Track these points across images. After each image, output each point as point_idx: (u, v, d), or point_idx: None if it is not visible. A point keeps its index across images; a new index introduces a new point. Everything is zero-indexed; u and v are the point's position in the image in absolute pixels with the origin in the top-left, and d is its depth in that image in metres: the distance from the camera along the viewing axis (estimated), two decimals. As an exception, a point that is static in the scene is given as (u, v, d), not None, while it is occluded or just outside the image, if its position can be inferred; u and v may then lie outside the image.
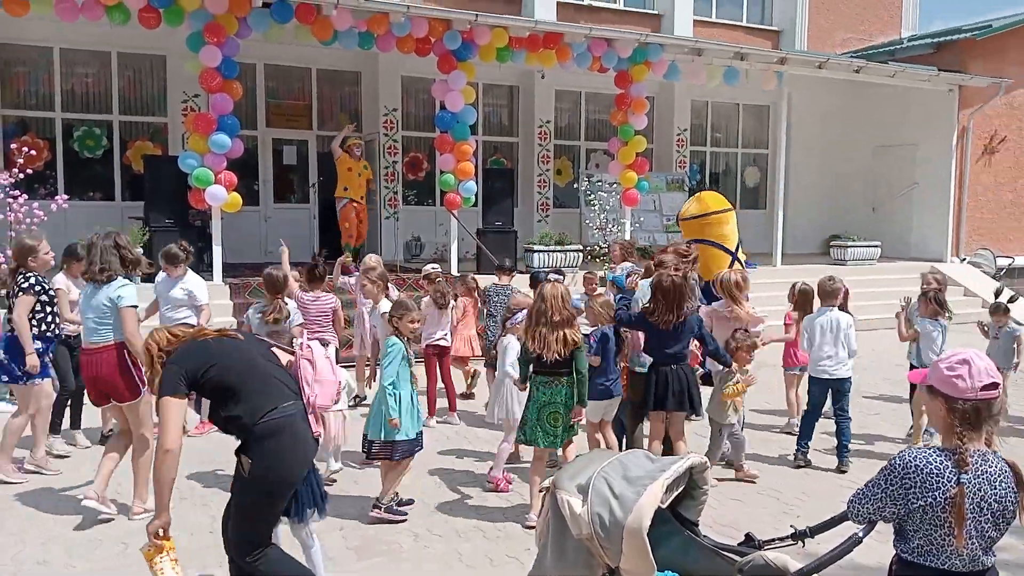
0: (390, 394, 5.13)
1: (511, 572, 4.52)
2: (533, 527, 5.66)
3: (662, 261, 6.12)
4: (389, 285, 7.30)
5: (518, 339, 5.93)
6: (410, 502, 5.42)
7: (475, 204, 13.13)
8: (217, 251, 10.96)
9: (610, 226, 14.05)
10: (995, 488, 2.50)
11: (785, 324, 7.75)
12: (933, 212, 17.28)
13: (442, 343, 7.67)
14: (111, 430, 6.67)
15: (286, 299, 6.42)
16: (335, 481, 5.95)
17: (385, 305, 6.30)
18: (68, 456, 6.47)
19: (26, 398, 5.88)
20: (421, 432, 5.33)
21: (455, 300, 7.90)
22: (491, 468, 6.01)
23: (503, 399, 5.98)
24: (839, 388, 6.55)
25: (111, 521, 5.17)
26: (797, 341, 7.28)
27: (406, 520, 5.23)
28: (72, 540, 4.90)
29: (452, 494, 5.79)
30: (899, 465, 2.56)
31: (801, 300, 7.49)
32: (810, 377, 6.68)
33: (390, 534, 5.06)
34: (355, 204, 12.33)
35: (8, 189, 9.80)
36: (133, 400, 5.15)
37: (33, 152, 10.61)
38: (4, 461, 5.81)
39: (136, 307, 5.20)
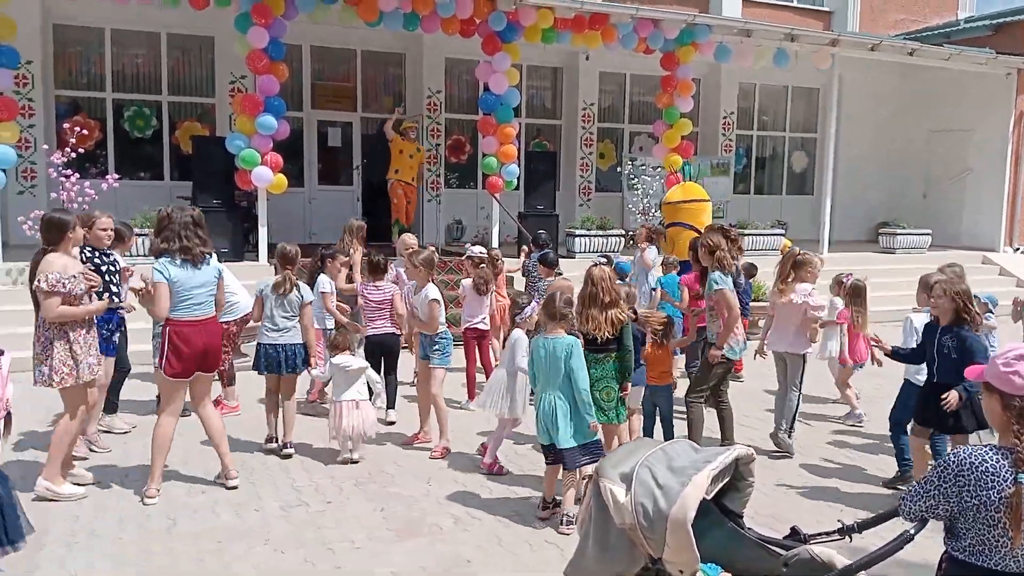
0: (588, 400, 4.90)
1: (551, 558, 4.52)
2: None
3: (717, 244, 6.12)
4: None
5: (527, 333, 6.00)
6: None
7: (517, 187, 13.09)
8: (263, 232, 11.09)
9: (653, 211, 13.91)
10: (1055, 488, 2.42)
11: (837, 321, 7.39)
12: (987, 200, 16.80)
13: (481, 326, 7.69)
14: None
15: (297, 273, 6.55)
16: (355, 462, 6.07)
17: (432, 291, 6.30)
18: (128, 431, 6.59)
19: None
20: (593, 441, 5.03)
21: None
22: (486, 452, 6.00)
23: (515, 394, 5.83)
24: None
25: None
26: (855, 333, 7.20)
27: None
28: (123, 512, 5.03)
29: (492, 478, 5.81)
30: (953, 463, 2.50)
31: (854, 295, 7.18)
32: (908, 383, 5.86)
33: (430, 516, 5.10)
34: (402, 184, 12.48)
35: (60, 168, 10.02)
36: (221, 367, 5.59)
37: (85, 132, 10.85)
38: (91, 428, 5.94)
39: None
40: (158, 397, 7.15)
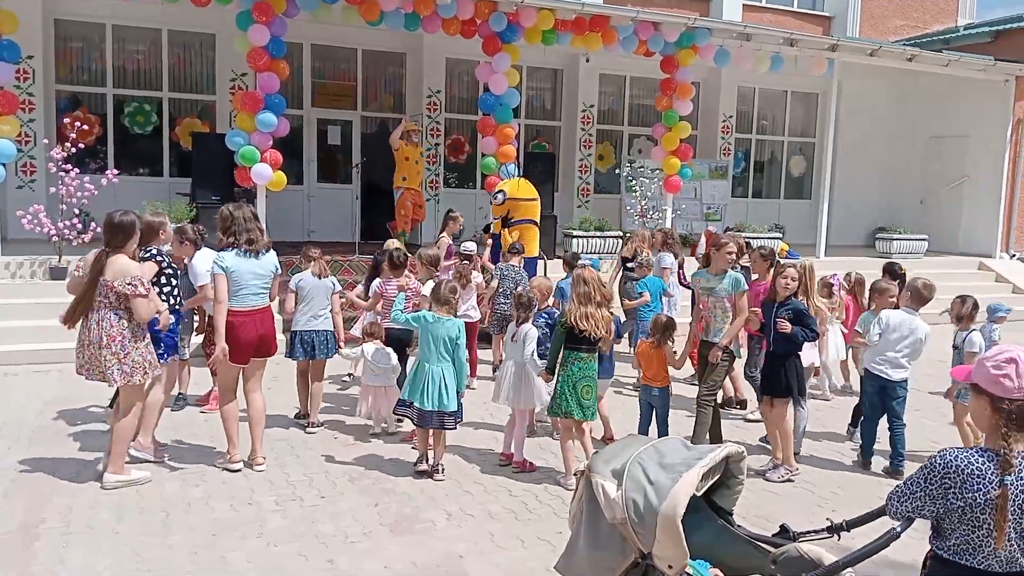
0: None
1: (542, 554, 4.55)
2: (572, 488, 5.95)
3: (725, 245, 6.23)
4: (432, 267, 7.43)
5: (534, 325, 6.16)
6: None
7: (516, 188, 13.09)
8: (261, 228, 11.11)
9: (651, 213, 13.96)
10: (1039, 490, 2.45)
11: (845, 308, 8.14)
12: (983, 206, 16.87)
13: (469, 318, 7.76)
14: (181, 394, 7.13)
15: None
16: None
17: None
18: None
19: (168, 373, 6.04)
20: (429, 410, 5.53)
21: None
22: (511, 450, 6.08)
23: (532, 385, 6.05)
24: (892, 392, 6.16)
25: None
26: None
27: None
28: (119, 504, 5.06)
29: (485, 474, 5.84)
30: (940, 464, 2.52)
31: (858, 289, 8.09)
32: (866, 371, 6.30)
33: (424, 512, 5.14)
34: (412, 192, 12.38)
35: (60, 163, 10.04)
36: (275, 353, 5.78)
37: (85, 127, 10.84)
38: (147, 439, 5.80)
39: None
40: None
